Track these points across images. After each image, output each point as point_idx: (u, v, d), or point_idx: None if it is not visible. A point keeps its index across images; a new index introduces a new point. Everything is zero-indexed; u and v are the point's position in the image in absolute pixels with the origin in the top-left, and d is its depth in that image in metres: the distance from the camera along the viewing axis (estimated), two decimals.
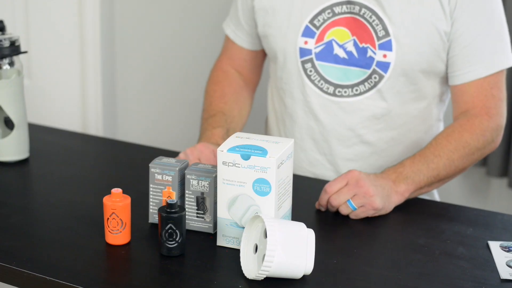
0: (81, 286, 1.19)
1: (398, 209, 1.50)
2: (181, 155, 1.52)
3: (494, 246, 1.34)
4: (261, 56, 1.81)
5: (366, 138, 1.64)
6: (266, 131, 1.87)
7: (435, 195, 1.78)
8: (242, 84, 1.80)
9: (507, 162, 2.35)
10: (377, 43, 1.58)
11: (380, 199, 1.43)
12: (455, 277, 1.24)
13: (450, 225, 1.43)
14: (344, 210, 1.43)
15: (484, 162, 2.41)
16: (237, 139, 1.30)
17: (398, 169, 1.50)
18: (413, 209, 1.51)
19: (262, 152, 1.25)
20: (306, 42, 1.62)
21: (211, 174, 1.33)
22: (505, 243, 1.35)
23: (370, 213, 1.43)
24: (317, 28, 1.61)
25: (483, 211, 1.51)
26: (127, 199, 1.30)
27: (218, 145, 1.57)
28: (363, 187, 1.42)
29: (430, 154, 1.53)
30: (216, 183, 1.30)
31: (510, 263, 1.28)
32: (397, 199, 1.47)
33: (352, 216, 1.44)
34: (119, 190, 1.30)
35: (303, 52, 1.63)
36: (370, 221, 1.44)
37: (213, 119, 1.69)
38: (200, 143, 1.55)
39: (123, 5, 2.65)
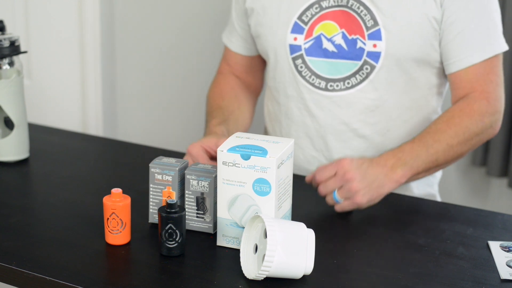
0: (81, 286, 1.19)
1: (398, 209, 1.50)
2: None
3: (494, 246, 1.34)
4: (258, 61, 1.81)
5: (361, 132, 1.64)
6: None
7: (437, 196, 1.78)
8: (241, 85, 1.80)
9: (507, 162, 2.35)
10: (366, 33, 1.57)
11: (365, 193, 1.43)
12: (455, 277, 1.24)
13: (450, 225, 1.43)
14: (329, 201, 1.45)
15: (484, 162, 2.41)
16: (237, 139, 1.30)
17: (397, 154, 1.50)
18: (413, 209, 1.51)
19: (262, 152, 1.25)
20: (295, 39, 1.63)
21: (211, 174, 1.33)
22: (505, 243, 1.35)
23: (354, 207, 1.44)
24: (306, 23, 1.62)
25: (483, 211, 1.51)
26: (127, 199, 1.30)
27: (212, 134, 1.56)
28: (349, 181, 1.42)
29: (430, 139, 1.53)
30: (216, 183, 1.30)
31: (510, 263, 1.28)
32: (391, 187, 1.47)
33: (338, 209, 1.44)
34: (119, 190, 1.30)
35: (293, 48, 1.63)
36: (371, 222, 1.44)
37: (211, 115, 1.70)
38: (189, 146, 1.53)
39: (123, 5, 2.65)
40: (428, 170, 1.53)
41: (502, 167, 2.36)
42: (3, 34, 1.65)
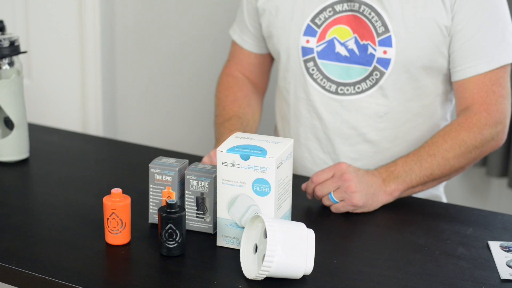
0: (81, 286, 1.19)
1: (398, 209, 1.50)
2: (206, 160, 1.52)
3: (494, 246, 1.34)
4: (268, 60, 1.81)
5: (369, 137, 1.64)
6: (274, 135, 1.87)
7: (442, 197, 1.77)
8: (252, 89, 1.80)
9: (507, 162, 2.35)
10: (377, 39, 1.57)
11: (362, 196, 1.44)
12: (455, 277, 1.24)
13: (450, 225, 1.43)
14: (326, 202, 1.46)
15: (484, 162, 2.41)
16: (237, 139, 1.30)
17: (390, 168, 1.51)
18: (413, 209, 1.51)
19: (262, 152, 1.25)
20: (308, 41, 1.63)
21: (211, 175, 1.33)
22: (505, 243, 1.35)
23: (349, 208, 1.45)
24: (319, 26, 1.62)
25: (483, 211, 1.51)
26: (127, 199, 1.31)
27: None
28: (347, 181, 1.43)
29: (424, 153, 1.53)
30: (216, 183, 1.30)
31: (510, 263, 1.28)
32: (385, 199, 1.48)
33: (333, 209, 1.46)
34: (119, 190, 1.30)
35: (305, 51, 1.63)
36: (371, 222, 1.44)
37: (229, 122, 1.69)
38: (214, 150, 1.55)
39: (123, 5, 2.65)
40: (424, 184, 1.53)
41: (502, 167, 2.36)
42: (3, 34, 1.65)
